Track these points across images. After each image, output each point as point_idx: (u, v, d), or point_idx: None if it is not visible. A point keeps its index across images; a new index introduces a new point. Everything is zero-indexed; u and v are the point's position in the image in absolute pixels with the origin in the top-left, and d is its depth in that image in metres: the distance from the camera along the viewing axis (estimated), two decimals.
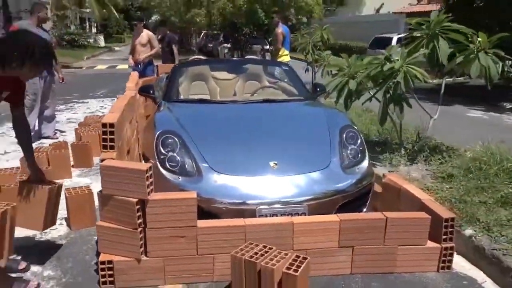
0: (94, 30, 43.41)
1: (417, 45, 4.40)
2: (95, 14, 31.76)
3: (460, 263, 2.99)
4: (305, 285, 2.39)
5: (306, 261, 2.40)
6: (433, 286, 2.70)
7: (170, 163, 3.03)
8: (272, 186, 2.89)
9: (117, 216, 2.57)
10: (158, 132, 3.23)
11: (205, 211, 2.80)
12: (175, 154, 3.07)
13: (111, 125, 2.73)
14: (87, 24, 40.78)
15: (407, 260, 2.82)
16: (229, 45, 14.40)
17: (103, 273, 2.59)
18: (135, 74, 5.80)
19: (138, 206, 2.50)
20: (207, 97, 4.60)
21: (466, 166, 4.10)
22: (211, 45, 19.42)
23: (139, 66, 7.72)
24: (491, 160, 4.08)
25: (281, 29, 7.95)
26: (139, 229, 2.54)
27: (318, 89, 4.67)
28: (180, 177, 2.95)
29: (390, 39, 16.55)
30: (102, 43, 35.20)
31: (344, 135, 3.39)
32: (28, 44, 2.32)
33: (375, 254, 2.79)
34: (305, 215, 2.84)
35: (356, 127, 3.54)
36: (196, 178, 2.93)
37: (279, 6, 10.34)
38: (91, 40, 31.63)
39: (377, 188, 3.51)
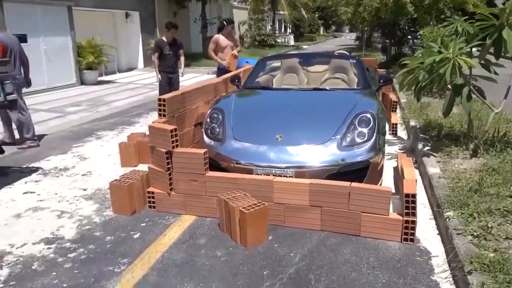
0: (289, 30, 47.08)
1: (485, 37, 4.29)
2: (286, 16, 34.72)
3: (430, 239, 3.19)
4: (258, 224, 3.13)
5: (261, 206, 3.14)
6: (384, 250, 3.05)
7: (211, 131, 4.08)
8: (271, 153, 3.64)
9: (157, 161, 3.77)
10: (210, 109, 4.33)
11: (221, 167, 3.76)
12: (215, 126, 4.10)
13: (164, 100, 3.95)
14: (282, 25, 44.53)
15: (371, 226, 3.21)
16: (387, 40, 14.44)
17: (149, 199, 3.84)
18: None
19: (167, 155, 3.64)
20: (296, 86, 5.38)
21: None
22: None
23: None
24: None
25: None
26: (168, 172, 3.68)
27: (381, 81, 5.00)
28: (212, 141, 3.98)
29: None
30: (291, 42, 38.06)
31: (357, 119, 3.82)
32: None
33: (341, 216, 3.27)
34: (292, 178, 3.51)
35: (374, 114, 3.88)
36: (221, 142, 3.91)
37: None
38: (281, 40, 34.67)
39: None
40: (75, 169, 5.03)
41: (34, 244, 3.25)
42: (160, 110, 3.99)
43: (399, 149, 5.52)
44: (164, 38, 7.15)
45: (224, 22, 7.77)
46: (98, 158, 5.46)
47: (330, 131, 3.75)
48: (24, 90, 6.23)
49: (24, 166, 5.11)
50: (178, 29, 7.24)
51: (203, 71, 15.60)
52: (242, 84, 5.31)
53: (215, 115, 4.20)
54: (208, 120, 4.20)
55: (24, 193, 4.29)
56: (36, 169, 5.00)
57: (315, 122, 3.95)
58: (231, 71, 7.23)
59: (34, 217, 3.74)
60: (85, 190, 4.36)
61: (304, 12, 36.56)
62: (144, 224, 3.56)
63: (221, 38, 7.51)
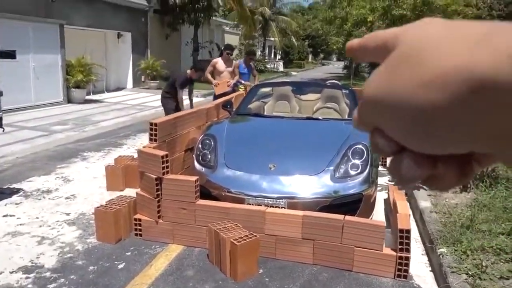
0: (278, 56, 47.73)
1: None
2: (277, 43, 35.30)
3: (424, 276, 3.12)
4: (249, 256, 3.04)
5: (253, 238, 3.05)
6: (376, 287, 2.97)
7: (202, 158, 4.00)
8: (263, 182, 3.57)
9: (146, 187, 3.67)
10: (202, 135, 4.26)
11: (212, 195, 3.67)
12: (207, 152, 4.03)
13: (156, 125, 3.88)
14: (272, 51, 45.18)
15: (364, 261, 3.13)
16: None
17: (135, 226, 3.71)
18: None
19: (156, 181, 3.54)
20: (287, 114, 5.38)
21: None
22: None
23: None
24: None
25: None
26: (157, 199, 3.57)
27: None
28: (203, 168, 3.90)
29: None
30: (281, 68, 38.55)
31: (351, 150, 3.79)
32: None
33: (334, 250, 3.20)
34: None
35: (367, 146, 3.85)
36: (213, 170, 3.83)
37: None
38: (271, 66, 35.11)
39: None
40: (58, 191, 4.87)
41: (11, 272, 3.08)
42: (151, 134, 3.91)
43: (389, 181, 5.50)
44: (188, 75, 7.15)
45: (222, 48, 7.87)
46: (83, 180, 5.31)
47: (323, 162, 3.71)
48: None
49: (5, 187, 4.93)
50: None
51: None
52: (234, 110, 5.28)
53: (207, 141, 4.13)
54: (200, 146, 4.13)
55: (4, 216, 4.11)
56: (17, 191, 4.83)
57: (309, 152, 3.91)
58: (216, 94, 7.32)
59: (13, 242, 3.57)
60: (68, 214, 4.20)
61: (294, 40, 37.25)
62: (129, 253, 3.42)
63: (220, 63, 7.55)
